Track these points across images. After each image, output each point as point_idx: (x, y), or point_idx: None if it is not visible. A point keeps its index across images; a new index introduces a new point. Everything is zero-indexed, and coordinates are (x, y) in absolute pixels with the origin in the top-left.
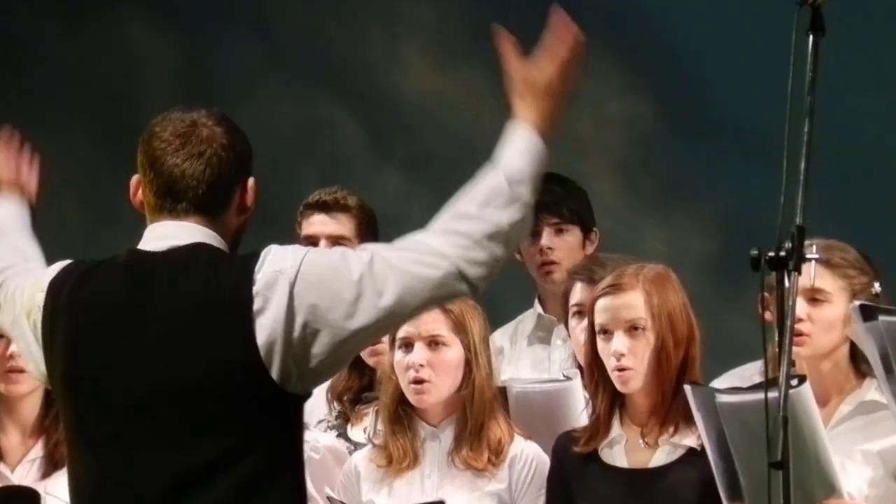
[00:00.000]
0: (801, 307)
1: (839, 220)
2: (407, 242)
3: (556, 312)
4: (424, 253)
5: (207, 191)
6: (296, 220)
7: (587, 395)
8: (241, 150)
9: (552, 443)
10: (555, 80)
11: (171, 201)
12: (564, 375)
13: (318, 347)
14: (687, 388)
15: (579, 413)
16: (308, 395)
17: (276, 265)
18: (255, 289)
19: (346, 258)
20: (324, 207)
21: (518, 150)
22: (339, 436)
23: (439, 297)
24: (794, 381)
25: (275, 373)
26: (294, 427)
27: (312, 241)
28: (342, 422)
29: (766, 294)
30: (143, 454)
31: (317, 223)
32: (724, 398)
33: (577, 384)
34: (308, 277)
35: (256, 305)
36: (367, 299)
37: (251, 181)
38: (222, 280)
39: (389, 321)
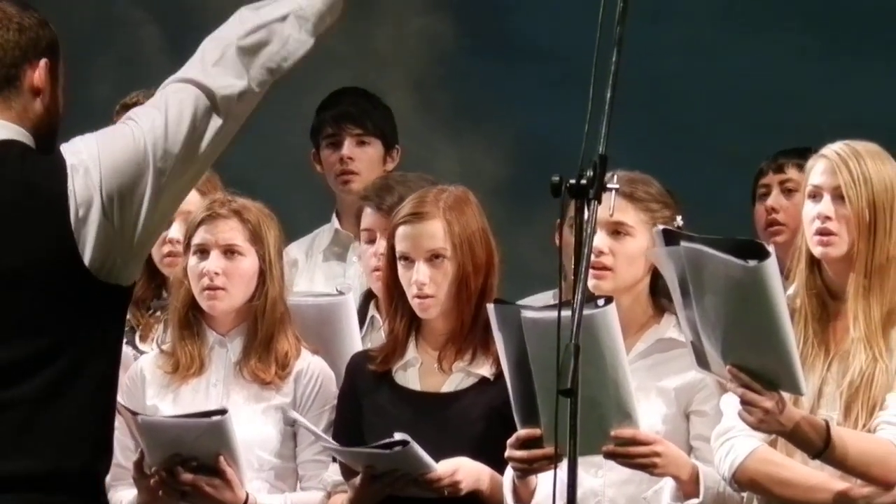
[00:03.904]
0: (604, 240)
1: (642, 151)
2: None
3: (352, 229)
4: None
5: None
6: (106, 116)
7: (377, 315)
8: (29, 31)
9: (326, 357)
10: None
11: None
12: (338, 290)
13: (138, 214)
14: (490, 306)
15: (353, 329)
16: (129, 286)
17: (75, 157)
18: (67, 181)
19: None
20: None
21: None
22: (127, 343)
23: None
24: (602, 301)
25: (93, 264)
26: (114, 323)
27: None
28: (129, 329)
29: (559, 221)
30: None
31: None
32: (529, 313)
33: (349, 299)
34: (107, 154)
35: (70, 197)
36: (170, 127)
37: (43, 61)
38: (34, 177)
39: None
